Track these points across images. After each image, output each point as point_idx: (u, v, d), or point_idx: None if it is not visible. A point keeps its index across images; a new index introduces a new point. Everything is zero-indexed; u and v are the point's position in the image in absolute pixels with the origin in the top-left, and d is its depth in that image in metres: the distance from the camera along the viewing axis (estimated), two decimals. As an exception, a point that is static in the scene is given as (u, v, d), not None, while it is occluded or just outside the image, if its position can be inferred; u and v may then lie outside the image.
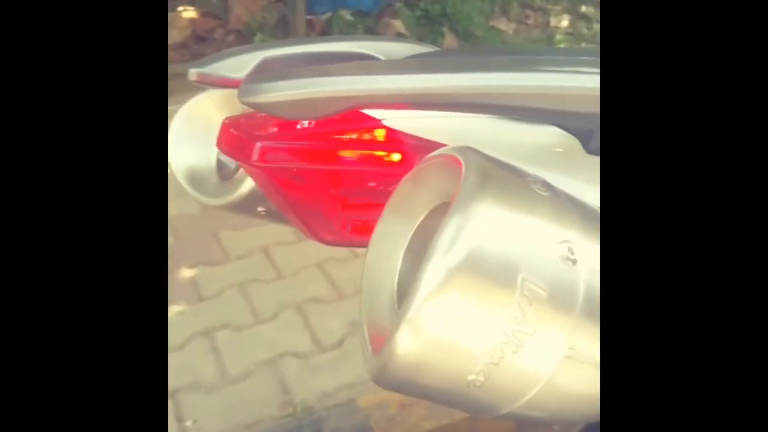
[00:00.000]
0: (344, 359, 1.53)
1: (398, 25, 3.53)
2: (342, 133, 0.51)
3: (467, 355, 0.35)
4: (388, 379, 0.38)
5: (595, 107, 0.39)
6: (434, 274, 0.34)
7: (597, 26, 3.92)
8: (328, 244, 0.58)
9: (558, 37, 3.82)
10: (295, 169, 0.52)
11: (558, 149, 0.48)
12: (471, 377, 0.36)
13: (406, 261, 0.44)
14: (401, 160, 0.51)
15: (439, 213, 0.43)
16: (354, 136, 0.51)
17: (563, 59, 0.57)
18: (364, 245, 0.56)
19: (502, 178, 0.38)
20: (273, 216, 0.66)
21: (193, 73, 0.60)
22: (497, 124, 0.48)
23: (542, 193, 0.38)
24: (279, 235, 1.92)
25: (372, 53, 0.61)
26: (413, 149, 0.51)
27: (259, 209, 0.65)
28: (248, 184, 0.62)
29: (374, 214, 0.56)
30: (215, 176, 0.68)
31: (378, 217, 0.49)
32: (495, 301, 0.35)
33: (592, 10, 4.07)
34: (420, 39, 3.21)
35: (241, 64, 0.59)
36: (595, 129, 0.46)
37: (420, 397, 0.41)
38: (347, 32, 3.36)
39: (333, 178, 0.54)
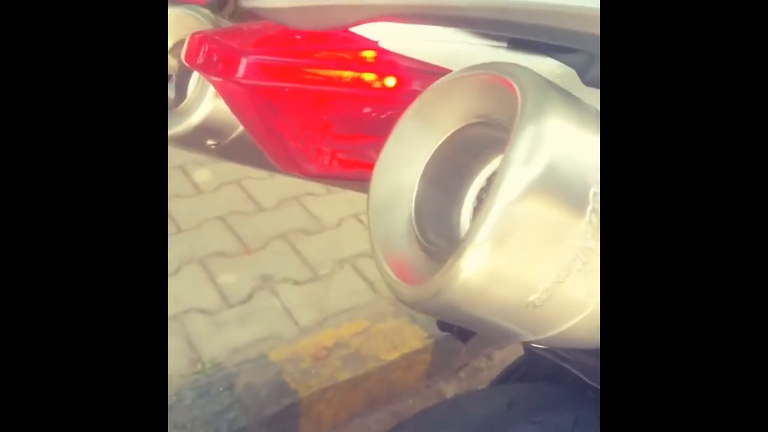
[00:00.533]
0: (253, 314, 1.48)
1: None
2: (334, 52, 0.46)
3: (537, 273, 0.34)
4: (436, 305, 0.35)
5: (595, 28, 0.37)
6: (511, 187, 0.32)
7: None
8: (309, 177, 0.53)
9: None
10: (286, 89, 0.46)
11: (556, 80, 0.46)
12: (533, 297, 0.34)
13: (423, 184, 0.41)
14: (397, 85, 0.47)
15: (466, 134, 0.40)
16: (347, 56, 0.46)
17: None
18: (348, 180, 0.52)
19: (563, 94, 0.36)
20: (223, 152, 0.59)
21: None
22: (497, 54, 0.46)
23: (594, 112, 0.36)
24: (172, 186, 1.80)
25: None
26: (410, 74, 0.47)
27: (209, 142, 0.58)
28: (200, 114, 0.55)
29: (364, 146, 0.52)
30: None
31: (366, 151, 0.45)
32: (570, 215, 0.33)
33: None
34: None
35: None
36: (594, 57, 0.45)
37: (458, 322, 0.38)
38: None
39: (325, 101, 0.49)
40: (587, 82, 0.46)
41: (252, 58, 0.45)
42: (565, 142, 0.33)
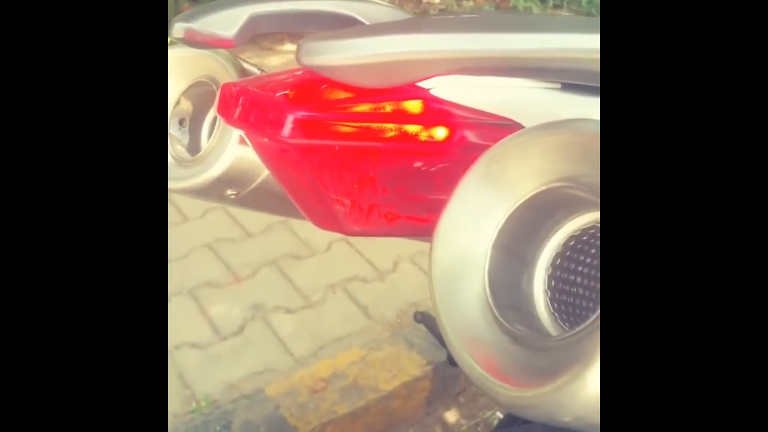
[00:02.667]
0: (247, 347, 1.44)
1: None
2: (380, 103, 0.43)
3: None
4: (548, 415, 0.32)
5: None
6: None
7: (467, 4, 4.02)
8: (351, 234, 0.49)
9: (431, 12, 3.86)
10: (335, 147, 0.43)
11: None
12: None
13: (495, 253, 0.38)
14: (448, 136, 0.44)
15: (543, 196, 0.37)
16: (390, 107, 0.43)
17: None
18: (392, 236, 0.49)
19: None
20: (243, 201, 0.56)
21: (179, 28, 0.48)
22: (553, 96, 0.44)
23: None
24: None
25: (358, 17, 0.54)
26: (462, 124, 0.44)
27: (229, 192, 0.55)
28: (221, 165, 0.52)
29: (413, 202, 0.49)
30: (168, 154, 0.57)
31: (415, 206, 0.42)
32: None
33: (461, -12, 4.17)
34: None
35: (230, 20, 0.49)
36: None
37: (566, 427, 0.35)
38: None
39: (373, 156, 0.45)
40: None
41: (300, 114, 0.41)
42: None
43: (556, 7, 4.24)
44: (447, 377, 1.46)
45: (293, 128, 0.41)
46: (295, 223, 1.86)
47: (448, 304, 0.38)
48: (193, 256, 1.68)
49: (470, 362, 0.35)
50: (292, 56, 0.45)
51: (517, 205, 0.38)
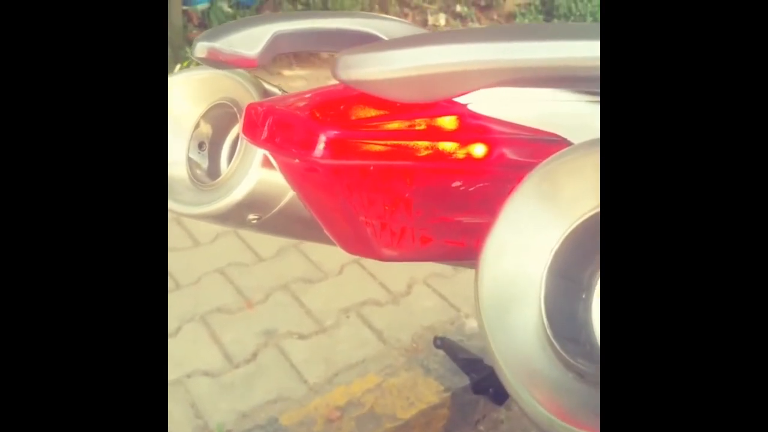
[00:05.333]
0: (260, 374, 1.41)
1: (280, 17, 3.39)
2: (412, 120, 0.40)
3: None
4: None
5: None
6: None
7: (472, 25, 4.04)
8: (386, 259, 0.47)
9: (438, 35, 3.88)
10: (371, 167, 0.41)
11: None
12: None
13: (551, 278, 0.35)
14: (486, 153, 0.42)
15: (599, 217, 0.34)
16: (422, 125, 0.41)
17: None
18: (426, 260, 0.46)
19: None
20: (264, 225, 0.54)
21: (202, 48, 0.47)
22: (596, 109, 0.42)
23: None
24: (169, 239, 1.73)
25: (380, 34, 0.52)
26: (501, 140, 0.41)
27: (250, 217, 0.53)
28: (243, 189, 0.50)
29: (451, 224, 0.47)
30: (187, 178, 0.55)
31: (452, 228, 0.40)
32: None
33: (466, 9, 4.20)
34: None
35: (253, 39, 0.48)
36: None
37: None
38: (225, 23, 3.17)
39: (409, 176, 0.43)
40: None
41: (331, 134, 0.39)
42: None
43: (561, 27, 4.27)
44: (465, 404, 1.42)
45: (325, 148, 0.39)
46: (306, 246, 1.84)
47: (500, 334, 0.34)
48: (205, 281, 1.65)
49: (532, 403, 0.32)
50: (300, 81, 0.43)
51: (574, 226, 0.35)
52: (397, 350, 1.50)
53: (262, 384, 1.38)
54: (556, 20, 4.23)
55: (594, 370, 0.33)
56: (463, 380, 1.38)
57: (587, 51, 0.37)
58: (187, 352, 1.43)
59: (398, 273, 1.72)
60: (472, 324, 1.60)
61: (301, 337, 1.52)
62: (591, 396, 0.32)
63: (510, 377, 0.33)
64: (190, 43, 2.89)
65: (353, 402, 1.35)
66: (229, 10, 3.29)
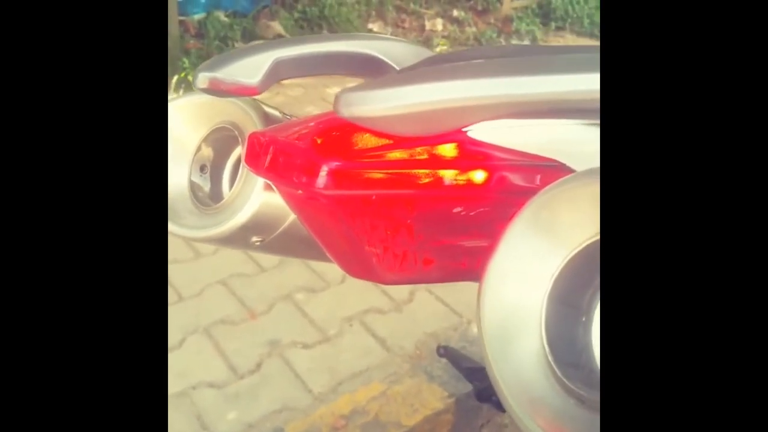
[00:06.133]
0: (265, 384, 1.41)
1: (276, 26, 3.41)
2: (413, 149, 0.41)
3: None
4: None
5: None
6: None
7: (470, 30, 4.06)
8: (390, 283, 0.48)
9: (435, 40, 3.90)
10: (373, 197, 0.41)
11: None
12: None
13: (551, 305, 0.35)
14: (486, 179, 0.42)
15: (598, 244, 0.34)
16: (423, 153, 0.42)
17: None
18: (429, 282, 0.47)
19: None
20: (268, 247, 0.55)
21: (204, 78, 0.48)
22: (596, 132, 0.42)
23: None
24: (170, 251, 1.74)
25: (380, 56, 0.53)
26: (501, 166, 0.42)
27: (254, 239, 0.54)
28: (246, 212, 0.51)
29: (453, 247, 0.47)
30: (190, 202, 0.56)
31: (454, 251, 0.40)
32: None
33: (463, 14, 4.21)
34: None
35: (253, 67, 0.48)
36: None
37: None
38: (222, 34, 3.18)
39: (410, 203, 0.44)
40: None
41: (333, 165, 0.40)
42: None
43: (558, 29, 4.28)
44: (469, 410, 1.43)
45: (327, 179, 0.40)
46: (308, 255, 1.85)
47: (503, 363, 0.35)
48: (207, 293, 1.66)
49: (534, 427, 0.33)
50: (298, 89, 0.44)
51: (572, 255, 0.36)
52: (401, 357, 1.50)
53: (267, 394, 1.39)
54: (552, 23, 4.24)
55: (593, 395, 0.33)
56: (467, 386, 1.39)
57: (587, 84, 0.38)
58: (191, 363, 1.43)
59: (400, 280, 1.72)
60: (474, 330, 1.60)
61: (305, 346, 1.53)
62: (591, 422, 0.33)
63: (514, 406, 0.34)
64: (186, 53, 2.90)
65: (358, 410, 1.35)
66: (226, 19, 3.30)
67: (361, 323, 1.61)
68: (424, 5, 4.23)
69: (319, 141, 0.42)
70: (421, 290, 1.71)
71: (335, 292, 1.71)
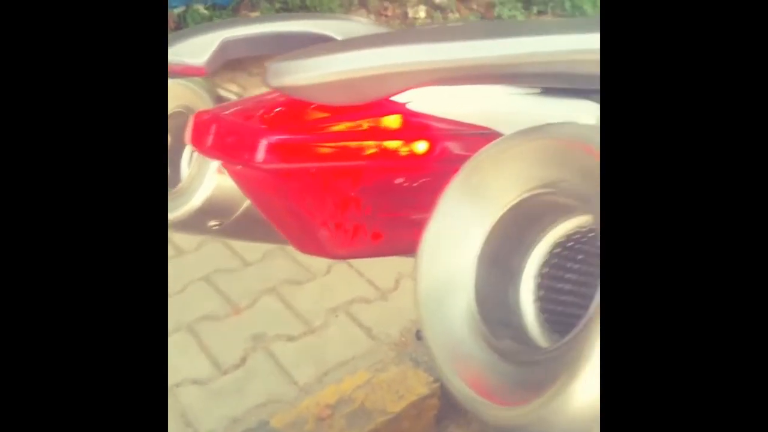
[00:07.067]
0: (249, 379, 1.41)
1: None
2: (357, 121, 0.42)
3: None
4: (539, 429, 0.30)
5: None
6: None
7: (452, 16, 4.04)
8: (340, 258, 0.48)
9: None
10: (312, 170, 0.42)
11: (594, 125, 0.43)
12: None
13: (481, 266, 0.36)
14: (429, 150, 0.43)
15: (526, 204, 0.36)
16: (367, 125, 0.42)
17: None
18: (378, 255, 0.48)
19: None
20: (226, 231, 0.54)
21: None
22: (533, 101, 0.42)
23: None
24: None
25: (330, 34, 0.53)
26: (443, 136, 0.43)
27: (211, 223, 0.53)
28: (201, 195, 0.51)
29: (398, 218, 0.48)
30: None
31: (400, 222, 0.41)
32: None
33: (446, 1, 4.19)
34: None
35: (200, 48, 0.48)
36: None
37: None
38: (203, 27, 3.16)
39: (352, 175, 0.44)
40: None
41: (273, 139, 0.40)
42: None
43: (540, 12, 4.26)
44: (456, 395, 1.43)
45: (267, 153, 0.40)
46: (292, 248, 1.84)
47: (435, 323, 0.37)
48: (191, 290, 1.65)
49: (458, 382, 0.34)
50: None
51: (500, 215, 0.38)
52: (387, 345, 1.50)
53: (252, 388, 1.38)
54: (534, 8, 4.22)
55: (517, 349, 0.34)
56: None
57: (506, 49, 0.38)
58: (175, 361, 1.42)
59: (386, 269, 1.72)
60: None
61: (290, 339, 1.52)
62: (513, 374, 0.34)
63: (440, 361, 0.36)
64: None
65: (344, 399, 1.35)
66: (206, 12, 3.27)
67: (346, 313, 1.61)
68: (406, -8, 4.20)
69: (262, 116, 0.42)
70: (406, 278, 1.70)
71: (320, 283, 1.71)
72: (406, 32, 0.48)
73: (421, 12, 4.11)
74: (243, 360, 1.45)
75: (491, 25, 0.46)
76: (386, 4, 4.12)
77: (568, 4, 4.23)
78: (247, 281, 1.69)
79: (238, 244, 1.80)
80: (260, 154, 0.41)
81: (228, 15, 3.31)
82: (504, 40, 0.39)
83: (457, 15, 4.08)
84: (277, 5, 3.52)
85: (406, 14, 4.08)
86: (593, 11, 4.26)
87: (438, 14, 4.09)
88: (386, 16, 4.03)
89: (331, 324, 1.58)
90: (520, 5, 4.22)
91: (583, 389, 0.28)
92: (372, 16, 3.96)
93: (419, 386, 1.40)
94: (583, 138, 0.33)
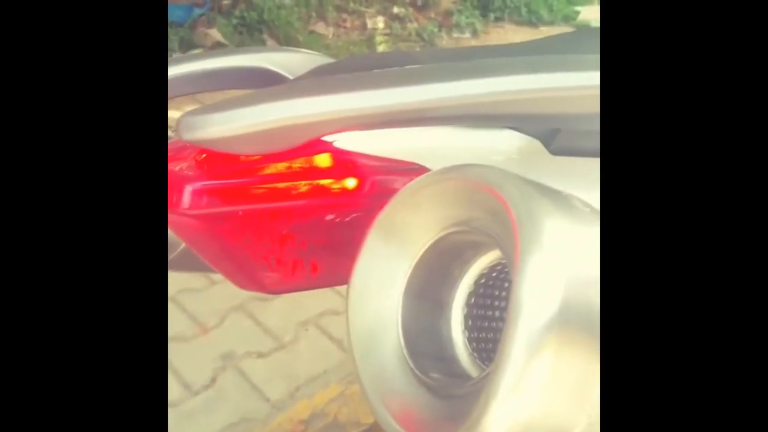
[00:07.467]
0: (220, 399, 1.39)
1: (215, 33, 3.36)
2: (284, 162, 0.42)
3: (569, 417, 0.30)
4: None
5: (559, 108, 0.38)
6: (529, 327, 0.28)
7: (411, 26, 4.08)
8: (279, 293, 0.49)
9: (377, 38, 3.91)
10: (239, 213, 0.42)
11: (517, 153, 0.44)
12: None
13: (407, 302, 0.37)
14: (358, 186, 0.44)
15: (445, 242, 0.38)
16: (297, 165, 0.43)
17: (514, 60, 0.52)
18: (316, 287, 0.48)
19: (552, 196, 0.33)
20: (176, 265, 0.54)
21: None
22: (456, 135, 0.44)
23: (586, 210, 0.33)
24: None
25: (273, 68, 0.53)
26: (370, 172, 0.44)
27: None
28: None
29: (331, 252, 0.48)
30: None
31: (334, 255, 0.42)
32: (594, 344, 0.30)
33: (403, 11, 4.23)
34: (240, 47, 3.09)
35: None
36: (559, 130, 0.44)
37: None
38: (160, 45, 3.12)
39: (283, 215, 0.45)
40: (553, 151, 0.45)
41: (198, 185, 0.41)
42: (574, 258, 0.30)
43: (497, 19, 4.34)
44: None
45: (192, 199, 0.41)
46: (259, 264, 1.82)
47: (366, 361, 0.37)
48: (157, 311, 1.63)
49: (387, 418, 0.35)
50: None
51: (422, 252, 0.39)
52: (358, 357, 1.50)
53: (223, 408, 1.37)
54: (491, 14, 4.29)
55: (444, 382, 0.36)
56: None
57: (407, 97, 0.40)
58: (143, 385, 1.40)
59: (354, 280, 1.72)
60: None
61: (261, 356, 1.51)
62: (440, 407, 0.35)
63: (371, 396, 0.36)
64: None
65: (317, 413, 1.35)
66: (163, 32, 3.24)
67: (316, 326, 1.61)
68: (364, 3, 4.23)
69: (190, 163, 0.43)
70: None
71: (289, 298, 1.70)
72: (320, 82, 0.49)
73: (380, 23, 4.15)
74: (213, 380, 1.43)
75: (415, 69, 0.47)
76: (345, 15, 4.14)
77: (524, 10, 4.32)
78: (213, 300, 1.67)
79: (204, 263, 1.78)
80: (186, 200, 0.42)
81: (185, 32, 3.29)
82: (416, 87, 0.41)
83: (415, 25, 4.13)
84: (235, 21, 3.51)
85: (364, 25, 4.11)
86: (549, 16, 4.36)
87: (396, 24, 4.12)
88: (345, 27, 4.05)
89: (302, 338, 1.57)
90: (477, 12, 4.29)
91: (496, 419, 0.29)
92: (331, 28, 3.98)
93: (392, 396, 1.40)
94: (487, 180, 0.35)
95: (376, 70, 0.49)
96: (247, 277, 0.47)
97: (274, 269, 0.46)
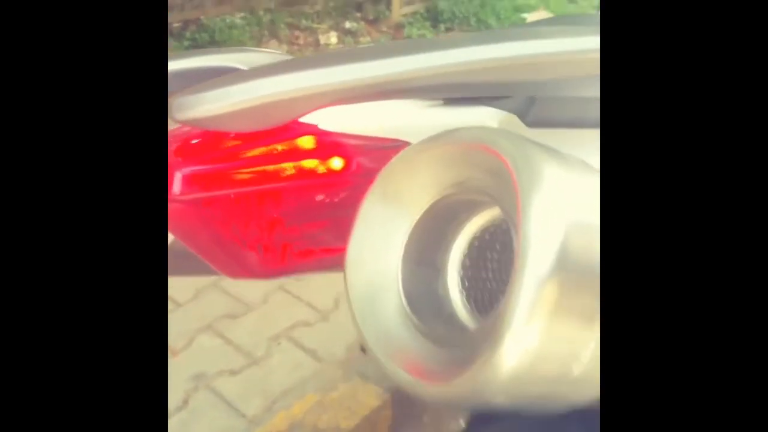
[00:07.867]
0: (195, 419, 1.36)
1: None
2: (272, 145, 0.42)
3: (578, 343, 0.31)
4: (473, 400, 0.33)
5: (529, 75, 0.39)
6: (538, 265, 0.30)
7: (363, 40, 4.12)
8: (262, 278, 0.48)
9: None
10: (231, 196, 0.42)
11: (499, 126, 0.45)
12: (577, 370, 0.32)
13: (407, 266, 0.38)
14: (345, 166, 0.44)
15: (441, 204, 0.39)
16: (282, 147, 0.43)
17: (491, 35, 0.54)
18: (305, 272, 0.49)
19: (547, 150, 0.34)
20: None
21: None
22: (436, 112, 0.45)
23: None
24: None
25: (240, 66, 0.54)
26: (356, 152, 0.44)
27: None
28: None
29: (321, 233, 0.49)
30: None
31: (324, 237, 0.42)
32: (595, 275, 0.31)
33: (355, 25, 4.27)
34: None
35: None
36: (533, 100, 0.45)
37: (494, 410, 0.35)
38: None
39: (273, 197, 0.45)
40: (529, 124, 0.46)
41: (187, 170, 0.41)
42: (572, 200, 0.31)
43: (448, 29, 4.41)
44: (405, 400, 1.42)
45: (183, 185, 0.41)
46: (225, 282, 1.79)
47: (370, 323, 0.39)
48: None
49: (397, 370, 0.36)
50: None
51: (417, 218, 0.40)
52: (334, 365, 1.48)
53: (198, 428, 1.33)
54: (442, 25, 4.37)
55: (448, 334, 0.38)
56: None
57: (402, 65, 0.41)
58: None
59: (323, 291, 1.71)
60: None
61: (233, 373, 1.48)
62: (445, 355, 0.36)
63: (379, 354, 0.37)
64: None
65: (295, 424, 1.32)
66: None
67: (288, 339, 1.58)
68: (316, 20, 4.26)
69: (174, 149, 0.43)
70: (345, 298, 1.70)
71: (258, 313, 1.67)
72: (308, 58, 0.50)
73: (333, 38, 4.18)
74: (185, 402, 1.40)
75: (394, 44, 0.49)
76: (297, 32, 4.16)
77: (473, 20, 4.40)
78: (181, 322, 1.63)
79: (169, 287, 1.75)
80: (176, 186, 0.42)
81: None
82: (400, 58, 0.42)
83: (368, 38, 4.17)
84: (186, 43, 3.49)
85: (317, 41, 4.13)
86: (498, 24, 4.46)
87: (349, 39, 4.16)
88: (298, 44, 4.06)
89: (274, 352, 1.54)
90: (428, 24, 4.36)
91: (506, 358, 0.30)
92: (284, 46, 3.98)
93: (370, 399, 1.38)
94: (480, 139, 0.36)
95: (361, 46, 0.50)
96: (237, 263, 0.47)
97: (263, 255, 0.47)
